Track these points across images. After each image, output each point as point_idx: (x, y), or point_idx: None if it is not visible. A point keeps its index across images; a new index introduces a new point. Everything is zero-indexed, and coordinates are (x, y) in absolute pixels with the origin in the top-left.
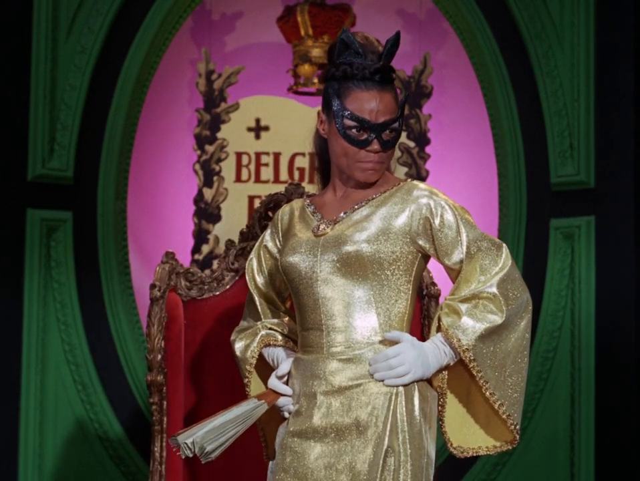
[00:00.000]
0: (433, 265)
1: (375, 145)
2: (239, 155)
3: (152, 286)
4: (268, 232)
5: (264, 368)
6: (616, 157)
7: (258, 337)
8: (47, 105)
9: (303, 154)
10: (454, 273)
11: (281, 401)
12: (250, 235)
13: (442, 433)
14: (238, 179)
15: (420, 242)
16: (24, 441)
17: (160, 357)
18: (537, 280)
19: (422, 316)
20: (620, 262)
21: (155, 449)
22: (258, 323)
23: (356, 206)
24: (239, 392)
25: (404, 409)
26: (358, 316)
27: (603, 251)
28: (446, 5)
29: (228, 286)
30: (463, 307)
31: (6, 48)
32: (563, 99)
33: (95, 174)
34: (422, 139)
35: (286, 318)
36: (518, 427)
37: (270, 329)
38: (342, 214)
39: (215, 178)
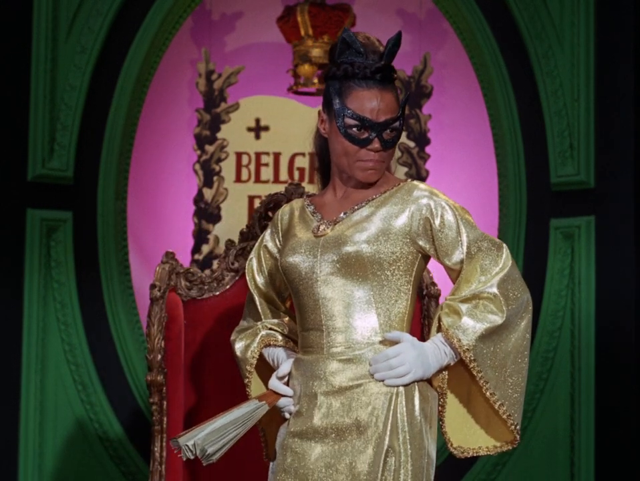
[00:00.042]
0: (433, 265)
1: (376, 144)
2: (239, 155)
3: (152, 286)
4: (268, 232)
5: (265, 368)
6: (616, 157)
7: (259, 337)
8: (47, 105)
9: (303, 154)
10: (454, 273)
11: (282, 402)
12: (250, 235)
13: (442, 434)
14: (238, 179)
15: (420, 243)
16: (24, 441)
17: (159, 357)
18: (537, 280)
19: (422, 317)
20: (620, 262)
21: (155, 449)
22: (259, 323)
23: (356, 207)
24: (239, 392)
25: (404, 409)
26: (358, 316)
27: (603, 251)
28: (446, 5)
29: (228, 286)
30: (464, 307)
31: (6, 48)
32: (563, 99)
33: (95, 174)
34: (422, 139)
35: (287, 319)
36: (518, 427)
37: (270, 329)
38: (342, 215)
39: (215, 178)
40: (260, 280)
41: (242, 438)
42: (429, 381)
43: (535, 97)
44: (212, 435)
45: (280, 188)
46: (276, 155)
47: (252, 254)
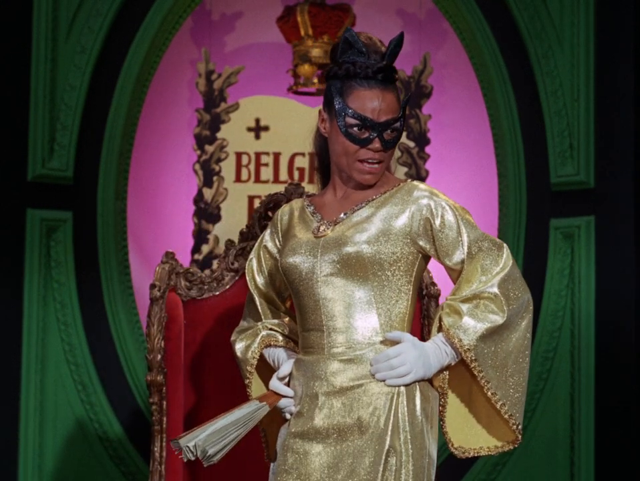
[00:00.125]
0: (433, 265)
1: (376, 144)
2: (239, 155)
3: (152, 286)
4: (267, 232)
5: (265, 368)
6: (616, 157)
7: (259, 337)
8: (47, 105)
9: (303, 154)
10: (455, 273)
11: (283, 402)
12: (250, 235)
13: (443, 434)
14: (238, 179)
15: (421, 243)
16: (24, 441)
17: (159, 357)
18: (537, 280)
19: (422, 316)
20: (620, 262)
21: (155, 449)
22: (259, 323)
23: (356, 207)
24: (239, 392)
25: (405, 409)
26: (359, 316)
27: (603, 251)
28: (446, 5)
29: (228, 286)
30: (465, 307)
31: (6, 48)
32: (563, 99)
33: (95, 174)
34: (422, 139)
35: (287, 319)
36: (520, 427)
37: (270, 329)
38: (342, 215)
39: (215, 178)
40: (260, 280)
41: (243, 439)
42: (430, 381)
43: (535, 97)
44: (212, 436)
45: (280, 188)
46: (276, 155)
47: (252, 255)
